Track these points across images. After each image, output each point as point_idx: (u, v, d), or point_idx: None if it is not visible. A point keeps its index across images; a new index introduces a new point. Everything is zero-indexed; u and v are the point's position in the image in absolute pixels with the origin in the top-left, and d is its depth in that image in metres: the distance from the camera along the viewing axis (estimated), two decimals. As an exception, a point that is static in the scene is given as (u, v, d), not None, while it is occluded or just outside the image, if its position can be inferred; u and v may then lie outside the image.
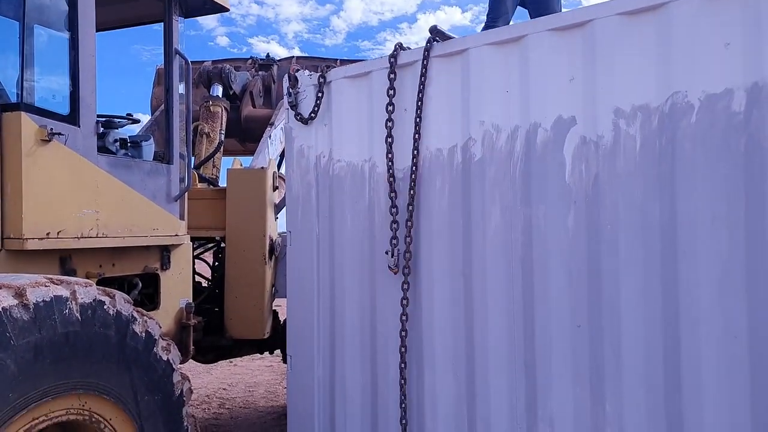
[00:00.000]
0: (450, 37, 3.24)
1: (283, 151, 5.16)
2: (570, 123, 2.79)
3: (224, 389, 6.98)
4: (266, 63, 6.43)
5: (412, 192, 3.24)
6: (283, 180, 4.89)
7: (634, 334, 2.59)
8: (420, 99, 3.23)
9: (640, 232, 2.59)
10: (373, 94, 3.49)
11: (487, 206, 3.05)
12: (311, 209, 3.83)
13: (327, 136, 3.75)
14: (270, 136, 5.28)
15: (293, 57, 6.63)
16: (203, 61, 6.30)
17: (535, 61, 2.89)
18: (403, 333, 3.26)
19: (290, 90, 3.87)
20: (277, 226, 5.01)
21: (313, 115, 3.75)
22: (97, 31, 3.38)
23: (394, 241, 3.29)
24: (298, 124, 3.86)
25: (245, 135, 6.07)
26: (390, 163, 3.33)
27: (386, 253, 3.31)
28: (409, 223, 3.24)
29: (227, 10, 4.32)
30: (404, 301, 3.26)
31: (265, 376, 7.55)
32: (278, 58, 6.63)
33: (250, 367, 7.93)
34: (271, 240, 4.85)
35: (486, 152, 3.05)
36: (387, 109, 3.34)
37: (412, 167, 3.25)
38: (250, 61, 6.50)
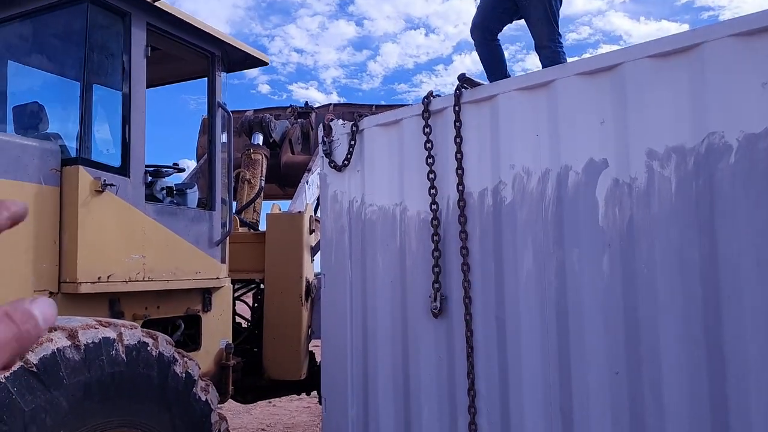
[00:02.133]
0: (478, 84, 3.36)
1: (320, 196, 5.33)
2: (602, 165, 2.77)
3: (263, 429, 7.02)
4: (305, 111, 6.71)
5: (462, 235, 3.21)
6: (320, 223, 5.04)
7: (677, 383, 2.48)
8: (458, 144, 3.27)
9: (678, 277, 2.51)
10: (403, 140, 3.61)
11: (519, 249, 3.04)
12: (344, 252, 3.93)
13: (359, 182, 3.87)
14: (307, 182, 5.47)
15: (330, 105, 6.90)
16: (245, 111, 6.62)
17: (564, 105, 2.90)
18: (471, 376, 3.14)
19: (325, 138, 4.04)
20: (313, 268, 5.14)
21: (346, 162, 3.90)
22: (147, 87, 3.65)
23: (437, 285, 3.31)
24: (332, 171, 4.01)
25: (284, 180, 6.30)
26: (434, 206, 3.36)
27: (429, 297, 3.33)
28: (464, 267, 3.22)
29: (266, 63, 4.58)
30: (469, 349, 3.16)
31: (303, 417, 7.56)
32: (316, 105, 6.91)
33: (288, 407, 7.97)
34: (308, 282, 4.97)
35: (517, 195, 3.06)
36: (425, 146, 3.41)
37: (459, 210, 3.24)
38: (289, 109, 6.79)
